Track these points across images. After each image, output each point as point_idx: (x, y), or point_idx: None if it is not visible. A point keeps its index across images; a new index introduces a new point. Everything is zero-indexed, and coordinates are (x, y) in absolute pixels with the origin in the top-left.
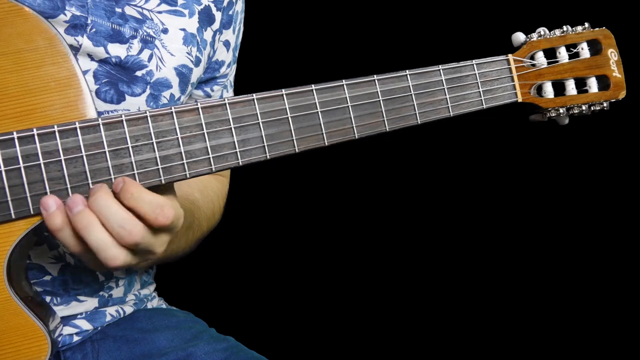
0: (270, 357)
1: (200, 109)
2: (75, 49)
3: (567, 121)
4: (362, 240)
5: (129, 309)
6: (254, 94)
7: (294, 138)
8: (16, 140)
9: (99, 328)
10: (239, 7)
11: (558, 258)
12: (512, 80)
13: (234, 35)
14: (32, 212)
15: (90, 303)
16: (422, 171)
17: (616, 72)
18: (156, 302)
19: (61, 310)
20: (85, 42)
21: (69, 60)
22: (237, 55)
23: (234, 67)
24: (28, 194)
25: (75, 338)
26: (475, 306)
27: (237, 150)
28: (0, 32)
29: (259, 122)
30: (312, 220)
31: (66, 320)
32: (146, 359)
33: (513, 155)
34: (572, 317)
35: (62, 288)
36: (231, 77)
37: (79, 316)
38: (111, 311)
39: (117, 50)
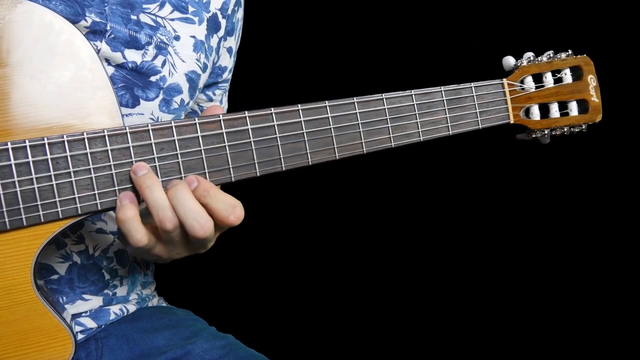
0: (269, 355)
1: (222, 121)
2: None
3: (548, 141)
4: (362, 241)
5: (132, 308)
6: (272, 108)
7: (308, 151)
8: (47, 147)
9: (103, 326)
10: (240, 14)
11: (555, 263)
12: (506, 103)
13: (235, 42)
14: (60, 216)
15: (95, 301)
16: (422, 179)
17: (594, 97)
18: (156, 301)
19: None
20: (103, 47)
21: (98, 67)
22: (235, 61)
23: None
24: (57, 199)
25: (80, 336)
26: (477, 312)
27: (256, 161)
28: (26, 36)
29: (276, 136)
30: (312, 219)
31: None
32: (145, 358)
33: (511, 164)
34: (571, 322)
35: (68, 287)
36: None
37: (83, 314)
38: (115, 309)
39: (133, 56)
